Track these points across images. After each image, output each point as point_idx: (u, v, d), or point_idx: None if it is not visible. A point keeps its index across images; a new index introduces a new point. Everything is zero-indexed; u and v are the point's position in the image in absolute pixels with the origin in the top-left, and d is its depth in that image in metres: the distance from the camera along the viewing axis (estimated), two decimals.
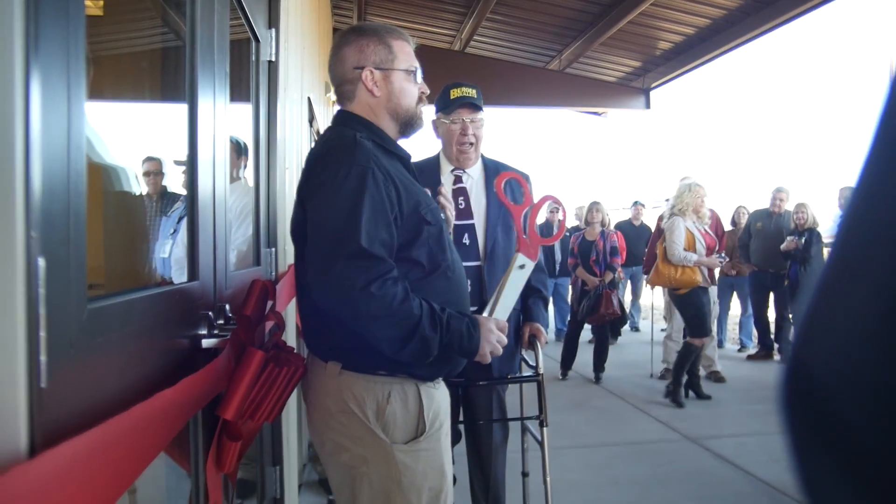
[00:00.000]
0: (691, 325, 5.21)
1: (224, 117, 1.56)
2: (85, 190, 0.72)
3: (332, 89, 1.76)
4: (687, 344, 5.26)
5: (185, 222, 2.50)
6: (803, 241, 6.24)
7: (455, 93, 2.50)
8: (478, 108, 2.50)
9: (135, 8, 2.48)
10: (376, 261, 1.41)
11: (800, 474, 0.39)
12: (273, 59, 2.41)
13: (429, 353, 1.46)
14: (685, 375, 5.28)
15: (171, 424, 0.94)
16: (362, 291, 1.38)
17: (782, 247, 6.35)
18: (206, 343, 1.31)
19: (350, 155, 1.48)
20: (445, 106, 2.52)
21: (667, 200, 8.90)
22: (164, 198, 2.92)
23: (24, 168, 0.60)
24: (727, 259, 5.23)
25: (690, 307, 5.18)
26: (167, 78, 2.17)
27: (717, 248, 5.25)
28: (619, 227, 8.12)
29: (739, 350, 7.47)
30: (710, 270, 5.21)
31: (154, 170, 2.94)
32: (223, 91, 1.56)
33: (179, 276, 2.29)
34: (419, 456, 1.52)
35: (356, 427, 1.50)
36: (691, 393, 5.37)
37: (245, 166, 2.94)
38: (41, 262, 0.62)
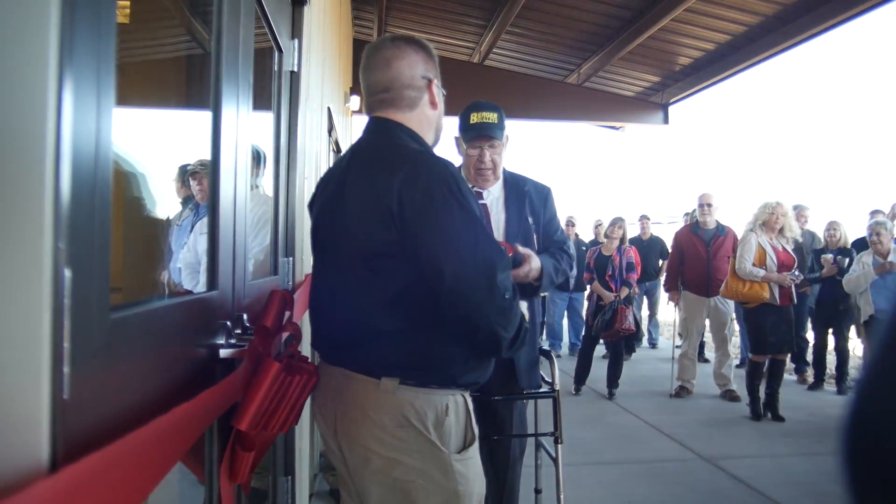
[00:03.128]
0: (750, 340, 5.41)
1: (246, 126, 1.56)
2: (111, 200, 0.72)
3: (369, 94, 1.63)
4: (749, 360, 5.49)
5: (197, 228, 2.53)
6: (846, 261, 6.09)
7: (475, 118, 2.48)
8: (496, 136, 2.48)
9: (161, 17, 2.51)
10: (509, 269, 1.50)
11: None
12: (295, 69, 2.42)
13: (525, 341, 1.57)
14: (764, 393, 5.38)
15: (188, 436, 0.93)
16: (514, 298, 1.47)
17: (824, 272, 6.13)
18: (223, 353, 1.31)
19: (447, 170, 1.47)
20: (465, 130, 2.51)
21: (685, 215, 8.91)
22: (187, 203, 2.94)
23: (53, 179, 0.60)
24: (801, 277, 5.13)
25: (750, 322, 5.35)
26: (191, 87, 2.18)
27: (794, 265, 5.16)
28: (630, 242, 8.07)
29: None
30: (785, 288, 5.11)
31: (182, 177, 2.95)
32: (246, 100, 1.56)
33: (189, 281, 2.30)
34: (469, 464, 1.54)
35: (414, 441, 1.48)
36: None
37: (262, 175, 2.96)
38: (67, 272, 0.61)
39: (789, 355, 6.62)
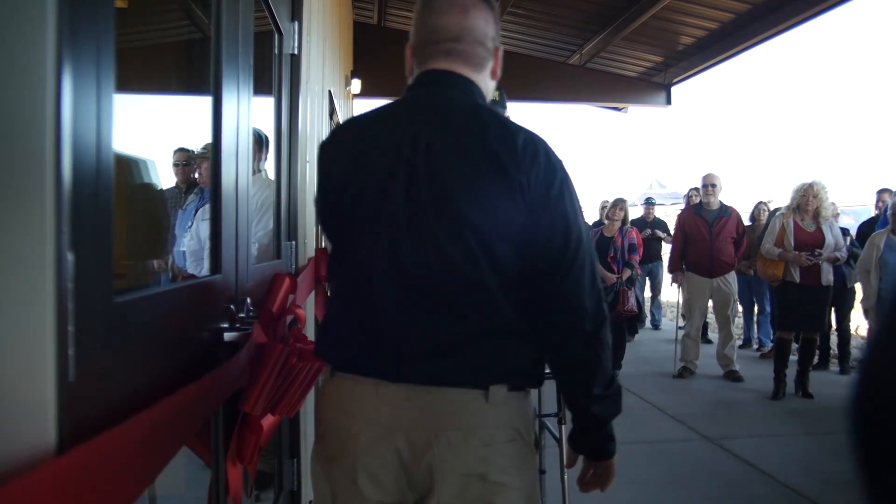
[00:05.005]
0: (777, 316, 5.70)
1: (247, 110, 1.56)
2: (113, 184, 0.72)
3: (432, 41, 1.33)
4: (776, 337, 5.71)
5: (199, 215, 2.53)
6: (848, 240, 6.05)
7: None
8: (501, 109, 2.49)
9: (159, 1, 2.49)
10: None
11: (866, 486, 0.39)
12: (296, 52, 2.41)
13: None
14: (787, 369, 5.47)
15: (194, 419, 0.94)
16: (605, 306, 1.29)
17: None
18: (227, 336, 1.32)
19: (552, 150, 1.27)
20: None
21: (685, 196, 8.91)
22: (192, 188, 2.94)
23: (54, 162, 0.60)
24: (820, 255, 5.21)
25: (776, 299, 5.72)
26: (192, 70, 2.18)
27: (822, 244, 5.24)
28: (633, 223, 8.01)
29: (758, 349, 7.40)
30: (805, 268, 5.23)
31: (183, 161, 2.96)
32: (247, 84, 1.56)
33: (193, 268, 2.31)
34: None
35: (521, 457, 1.25)
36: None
37: (265, 159, 2.95)
38: (70, 256, 0.62)
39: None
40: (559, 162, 1.25)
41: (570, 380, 1.31)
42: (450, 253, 1.20)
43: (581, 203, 1.30)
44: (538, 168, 1.20)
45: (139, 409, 0.73)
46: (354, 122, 1.42)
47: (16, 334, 0.58)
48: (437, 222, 1.21)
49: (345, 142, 1.38)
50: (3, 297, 0.57)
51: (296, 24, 2.41)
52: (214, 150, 1.37)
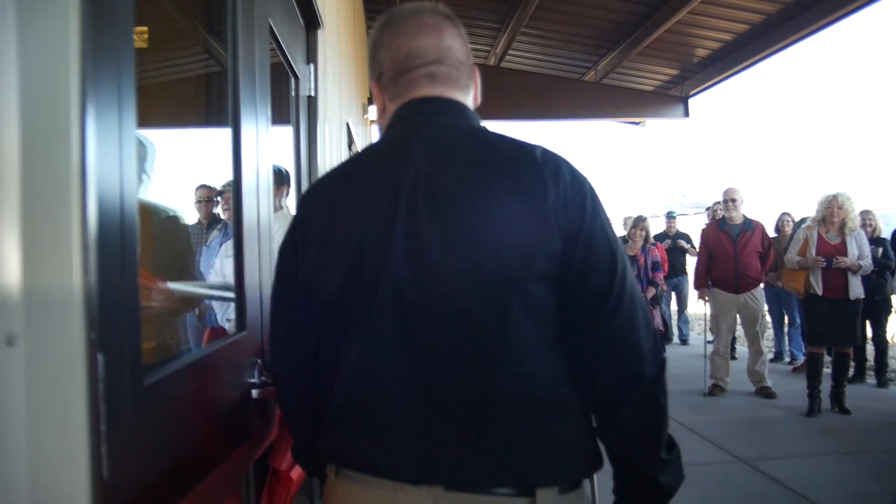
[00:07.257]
0: (806, 331, 5.60)
1: (266, 153, 1.56)
2: (139, 278, 0.72)
3: (411, 66, 1.12)
4: (807, 352, 5.56)
5: (223, 251, 2.54)
6: (880, 251, 5.92)
7: None
8: None
9: (180, 45, 2.54)
10: None
11: None
12: (312, 94, 2.44)
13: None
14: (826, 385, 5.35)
15: (225, 492, 0.94)
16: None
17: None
18: (255, 394, 1.31)
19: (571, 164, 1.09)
20: None
21: (707, 209, 8.83)
22: (214, 225, 2.97)
23: (82, 268, 0.61)
24: (839, 263, 5.13)
25: (803, 314, 5.62)
26: (211, 109, 2.21)
27: (844, 255, 5.15)
28: (656, 238, 7.92)
29: (790, 363, 7.25)
30: (830, 280, 5.15)
31: (206, 197, 3.00)
32: (265, 124, 1.56)
33: (218, 306, 2.32)
34: None
35: None
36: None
37: (287, 195, 2.98)
38: (100, 357, 0.62)
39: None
40: (583, 175, 1.05)
41: (629, 445, 1.06)
42: (473, 310, 0.97)
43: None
44: (565, 183, 1.00)
45: (173, 494, 0.74)
46: (339, 173, 1.16)
47: (51, 437, 0.59)
48: (453, 274, 0.98)
49: (332, 198, 1.10)
50: (40, 403, 0.58)
51: (311, 66, 2.44)
52: (235, 200, 1.38)
